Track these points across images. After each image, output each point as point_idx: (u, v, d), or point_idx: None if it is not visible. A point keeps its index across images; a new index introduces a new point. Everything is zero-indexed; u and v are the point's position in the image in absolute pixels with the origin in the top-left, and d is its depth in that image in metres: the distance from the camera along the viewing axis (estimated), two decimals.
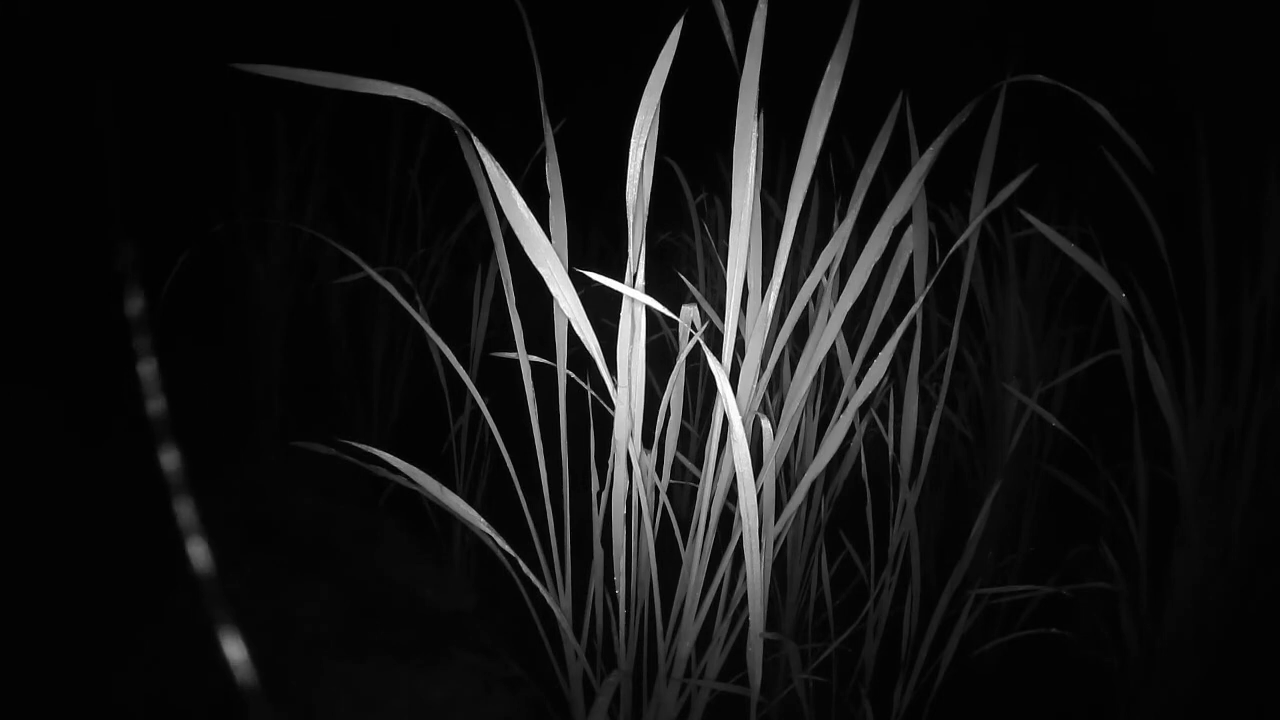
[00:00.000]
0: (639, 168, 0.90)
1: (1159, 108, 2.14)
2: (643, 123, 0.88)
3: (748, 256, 0.94)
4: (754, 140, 0.87)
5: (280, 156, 2.19)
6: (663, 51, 0.86)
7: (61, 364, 2.07)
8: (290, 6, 2.79)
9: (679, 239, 2.56)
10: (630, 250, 0.92)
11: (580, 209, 1.32)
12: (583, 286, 0.94)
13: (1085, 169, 1.64)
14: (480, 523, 0.96)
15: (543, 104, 0.90)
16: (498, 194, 0.86)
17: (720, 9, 0.92)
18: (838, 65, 0.89)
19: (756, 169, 0.91)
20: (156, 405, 0.53)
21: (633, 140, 0.89)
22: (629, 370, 0.95)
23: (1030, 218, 1.14)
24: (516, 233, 0.88)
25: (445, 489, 0.96)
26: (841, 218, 1.20)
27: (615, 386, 0.96)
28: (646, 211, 0.93)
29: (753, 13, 0.86)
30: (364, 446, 0.96)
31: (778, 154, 2.26)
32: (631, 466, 0.98)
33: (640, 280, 0.95)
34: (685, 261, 2.54)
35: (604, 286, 0.86)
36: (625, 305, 0.95)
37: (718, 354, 0.94)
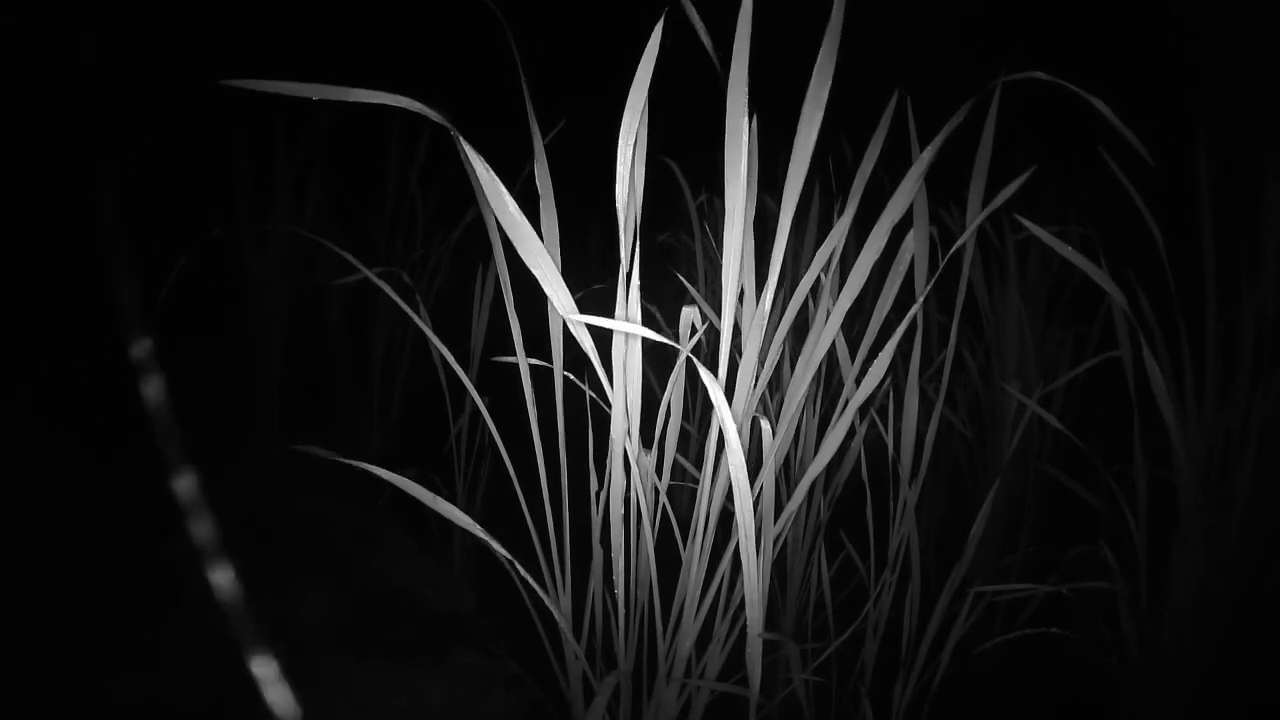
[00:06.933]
0: (628, 166, 0.89)
1: (1159, 107, 2.14)
2: (630, 121, 0.88)
3: (742, 253, 0.94)
4: (744, 139, 0.87)
5: (279, 157, 2.19)
6: (646, 49, 0.86)
7: (61, 364, 2.07)
8: (292, 11, 2.80)
9: (679, 239, 2.56)
10: (622, 250, 0.92)
11: (579, 210, 1.32)
12: (581, 289, 0.94)
13: (1084, 169, 1.64)
14: (477, 530, 0.96)
15: (529, 106, 0.90)
16: (488, 195, 0.86)
17: (693, 14, 0.92)
18: (827, 62, 0.89)
19: (751, 168, 0.90)
20: (156, 405, 0.53)
21: (620, 138, 0.89)
22: (624, 368, 0.95)
23: (1026, 223, 1.14)
24: (509, 234, 0.88)
25: (439, 499, 0.97)
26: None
27: (610, 386, 0.96)
28: (639, 211, 0.93)
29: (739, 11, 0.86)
30: (361, 464, 0.96)
31: (777, 156, 2.25)
32: (629, 466, 0.98)
33: (635, 280, 0.95)
34: (685, 262, 2.54)
35: (602, 286, 0.86)
36: (619, 302, 0.95)
37: (716, 354, 0.93)
